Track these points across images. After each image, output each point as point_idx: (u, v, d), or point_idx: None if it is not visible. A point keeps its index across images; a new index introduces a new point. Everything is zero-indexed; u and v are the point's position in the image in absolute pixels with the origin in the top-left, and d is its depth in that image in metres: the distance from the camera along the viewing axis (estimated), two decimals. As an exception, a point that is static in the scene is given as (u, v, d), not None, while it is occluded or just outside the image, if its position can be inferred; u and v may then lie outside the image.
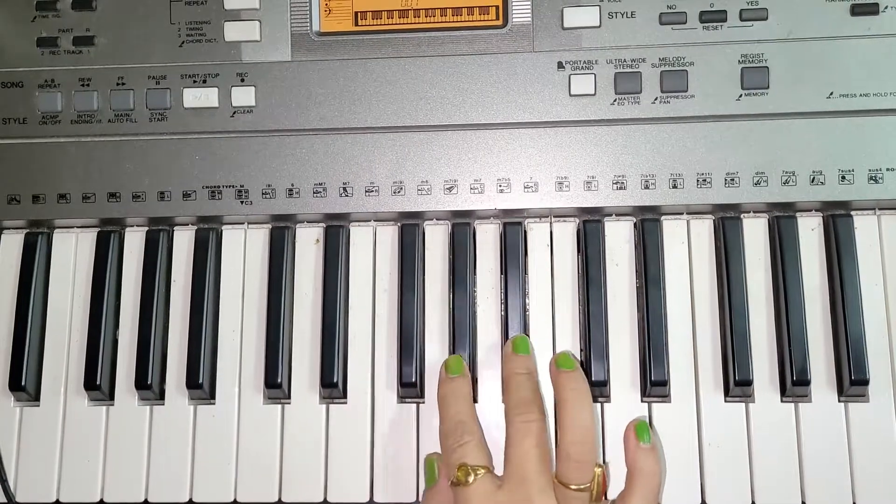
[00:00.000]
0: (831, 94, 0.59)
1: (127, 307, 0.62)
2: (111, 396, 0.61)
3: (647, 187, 0.59)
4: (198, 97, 0.62)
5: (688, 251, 0.60)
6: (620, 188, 0.59)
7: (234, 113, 0.62)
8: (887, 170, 0.58)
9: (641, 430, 0.54)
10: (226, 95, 0.62)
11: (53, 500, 0.60)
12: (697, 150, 0.59)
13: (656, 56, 0.60)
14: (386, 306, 0.61)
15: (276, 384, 0.59)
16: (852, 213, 0.59)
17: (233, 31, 0.62)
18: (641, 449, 0.53)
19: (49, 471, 0.60)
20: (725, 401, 0.58)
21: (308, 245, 0.62)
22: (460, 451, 0.53)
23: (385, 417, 0.59)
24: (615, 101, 0.60)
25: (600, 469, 0.53)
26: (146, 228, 0.63)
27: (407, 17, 0.61)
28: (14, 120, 0.63)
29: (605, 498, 0.54)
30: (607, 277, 0.60)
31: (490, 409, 0.59)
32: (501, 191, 0.60)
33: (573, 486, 0.52)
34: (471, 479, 0.52)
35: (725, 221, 0.60)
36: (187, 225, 0.63)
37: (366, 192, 0.61)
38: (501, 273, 0.60)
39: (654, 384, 0.57)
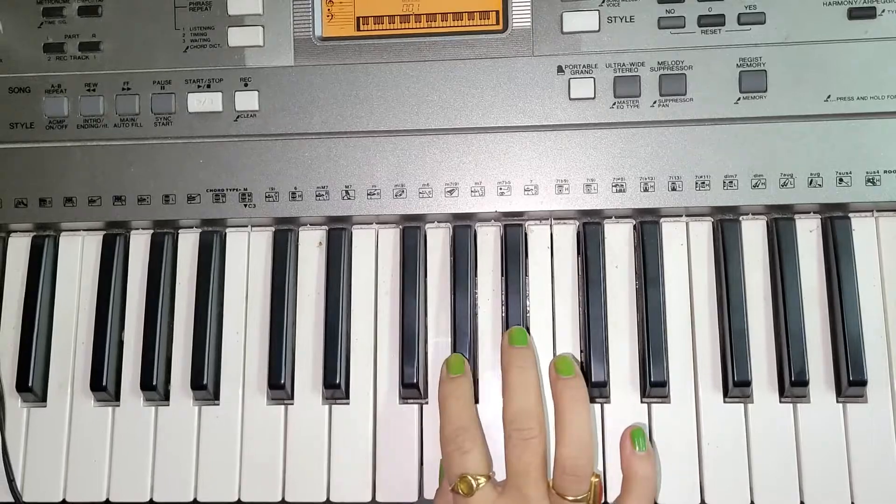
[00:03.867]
0: (829, 97, 0.59)
1: (132, 309, 0.63)
2: (117, 397, 0.62)
3: (646, 190, 0.60)
4: (202, 102, 0.62)
5: (687, 253, 0.61)
6: (620, 191, 0.60)
7: (238, 117, 0.62)
8: (885, 172, 0.58)
9: (637, 436, 0.55)
10: (230, 100, 0.62)
11: (60, 499, 0.61)
12: (696, 153, 0.60)
13: (655, 60, 0.60)
14: (388, 308, 0.61)
15: (279, 385, 0.60)
16: (850, 215, 0.60)
17: (236, 37, 0.63)
18: (637, 456, 0.54)
19: (56, 471, 0.61)
20: (724, 401, 0.58)
21: (311, 247, 0.63)
22: (461, 461, 0.53)
23: (387, 418, 0.60)
24: (614, 104, 0.60)
25: (597, 479, 0.53)
26: (151, 231, 0.64)
27: (408, 22, 0.62)
28: (21, 125, 0.63)
29: None
30: (607, 279, 0.60)
31: (491, 409, 0.59)
32: (502, 193, 0.61)
33: (570, 497, 0.53)
34: (475, 486, 0.52)
35: (724, 223, 0.60)
36: (192, 228, 0.64)
37: (368, 195, 0.61)
38: (502, 275, 0.61)
39: (653, 385, 0.58)
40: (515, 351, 0.56)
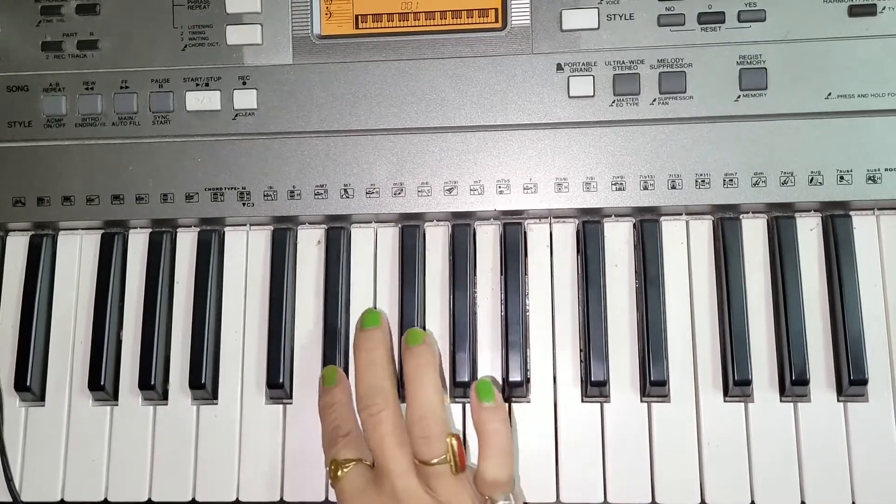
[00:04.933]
0: (829, 94, 0.59)
1: (131, 308, 0.63)
2: (115, 396, 0.62)
3: (646, 188, 0.60)
4: (200, 100, 0.62)
5: (687, 252, 0.60)
6: (619, 189, 0.60)
7: (236, 116, 0.62)
8: (885, 170, 0.58)
9: (483, 389, 0.54)
10: (228, 98, 0.62)
11: (58, 499, 0.61)
12: (696, 151, 0.59)
13: (655, 57, 0.60)
14: (387, 307, 0.61)
15: (277, 384, 0.60)
16: (851, 213, 0.59)
17: (235, 35, 0.62)
18: (484, 408, 0.53)
19: (54, 470, 0.61)
20: (724, 400, 0.58)
21: (309, 246, 0.63)
22: (334, 450, 0.54)
23: (386, 417, 0.60)
24: (614, 102, 0.60)
25: (453, 439, 0.52)
26: (149, 230, 0.64)
27: (407, 20, 0.62)
28: (19, 123, 0.63)
29: (466, 466, 0.53)
30: (606, 278, 0.60)
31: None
32: (501, 192, 0.60)
33: (432, 461, 0.52)
34: (339, 473, 0.53)
35: (724, 222, 0.60)
36: (190, 227, 0.64)
37: (366, 193, 0.61)
38: (501, 274, 0.61)
39: (653, 384, 0.58)
40: (362, 333, 0.57)
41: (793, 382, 0.57)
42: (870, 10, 0.59)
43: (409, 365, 0.55)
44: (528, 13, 0.61)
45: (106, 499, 0.60)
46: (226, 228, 0.63)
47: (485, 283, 0.61)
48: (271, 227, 0.63)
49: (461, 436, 0.58)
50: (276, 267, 0.62)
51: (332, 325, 0.61)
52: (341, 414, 0.56)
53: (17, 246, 0.64)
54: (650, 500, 0.57)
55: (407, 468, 0.52)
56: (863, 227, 0.59)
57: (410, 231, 0.62)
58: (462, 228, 0.61)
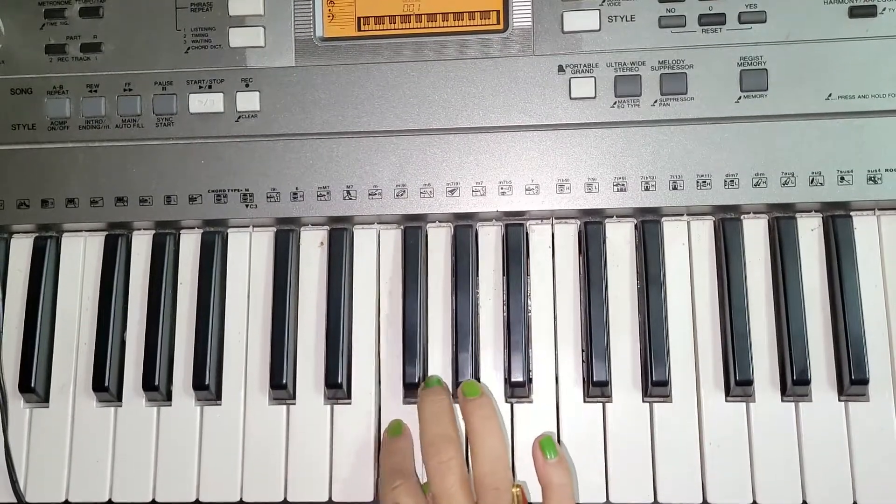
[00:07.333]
0: (830, 95, 0.59)
1: (134, 309, 0.63)
2: (119, 398, 0.62)
3: (647, 189, 0.60)
4: (203, 102, 0.62)
5: (688, 252, 0.61)
6: (621, 190, 0.60)
7: (239, 118, 0.62)
8: (886, 170, 0.58)
9: (546, 445, 0.56)
10: (231, 101, 0.62)
11: (63, 500, 0.61)
12: (697, 152, 0.60)
13: (656, 59, 0.60)
14: (389, 308, 0.61)
15: (281, 385, 0.60)
16: (851, 213, 0.60)
17: (238, 37, 0.63)
18: (549, 464, 0.55)
19: (58, 471, 0.61)
20: (726, 400, 0.58)
21: (312, 247, 0.63)
22: (392, 495, 0.54)
23: (389, 418, 0.60)
24: (615, 103, 0.60)
25: (517, 489, 0.55)
26: (153, 232, 0.64)
27: (409, 23, 0.62)
28: (23, 126, 0.63)
29: None
30: (608, 278, 0.60)
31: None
32: (503, 193, 0.61)
33: None
34: None
35: (725, 222, 0.60)
36: (193, 228, 0.64)
37: (369, 195, 0.61)
38: (503, 274, 0.61)
39: (655, 384, 0.58)
40: (428, 390, 0.58)
41: (794, 382, 0.57)
42: (870, 11, 0.59)
43: (474, 416, 0.56)
44: (530, 15, 0.61)
45: (110, 499, 0.61)
46: (229, 230, 0.64)
47: (487, 283, 0.61)
48: (274, 229, 0.63)
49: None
50: (279, 268, 0.62)
51: (334, 325, 0.61)
52: (402, 459, 0.57)
53: (21, 248, 0.64)
54: (652, 499, 0.58)
55: None
56: (863, 227, 0.59)
57: (413, 232, 0.62)
58: (464, 229, 0.62)
